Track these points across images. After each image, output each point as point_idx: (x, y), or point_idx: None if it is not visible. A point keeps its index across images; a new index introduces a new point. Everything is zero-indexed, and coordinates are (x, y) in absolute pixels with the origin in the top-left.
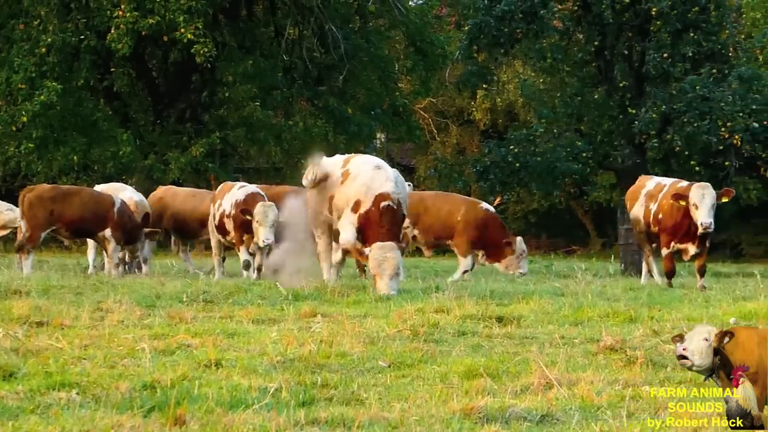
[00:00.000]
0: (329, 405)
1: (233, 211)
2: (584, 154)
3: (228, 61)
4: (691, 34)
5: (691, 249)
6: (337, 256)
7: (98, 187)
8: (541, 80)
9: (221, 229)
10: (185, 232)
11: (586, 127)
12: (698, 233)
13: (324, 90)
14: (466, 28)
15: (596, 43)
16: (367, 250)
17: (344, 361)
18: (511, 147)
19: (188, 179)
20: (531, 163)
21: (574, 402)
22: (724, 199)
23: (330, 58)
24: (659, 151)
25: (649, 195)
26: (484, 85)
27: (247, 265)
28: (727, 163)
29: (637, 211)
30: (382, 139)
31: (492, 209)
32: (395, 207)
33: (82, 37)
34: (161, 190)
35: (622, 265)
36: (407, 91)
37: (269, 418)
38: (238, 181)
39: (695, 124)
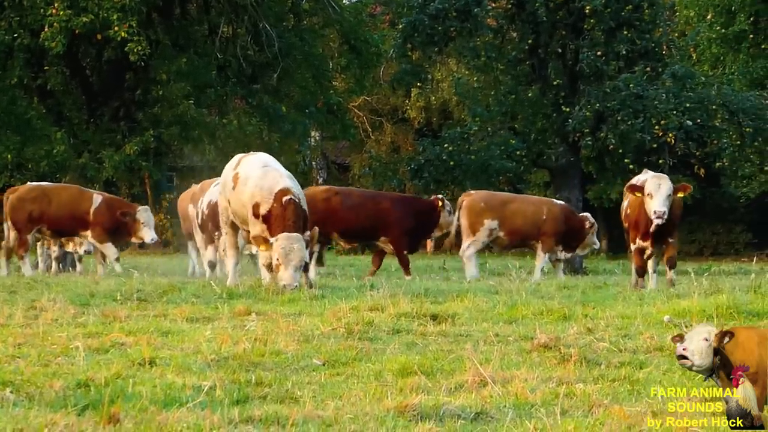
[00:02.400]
0: (263, 403)
1: (207, 211)
2: (518, 153)
3: (162, 60)
4: (625, 32)
5: (653, 246)
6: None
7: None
8: (475, 78)
9: (204, 228)
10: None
11: (520, 125)
12: (653, 224)
13: (258, 88)
14: (400, 26)
15: (530, 41)
16: (272, 239)
17: (278, 359)
18: (446, 145)
19: (122, 178)
20: (465, 161)
21: (508, 400)
22: (681, 194)
23: (264, 56)
24: (593, 149)
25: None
26: (418, 84)
27: (212, 266)
28: (661, 161)
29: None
30: (317, 138)
31: (564, 203)
32: (297, 201)
33: (16, 35)
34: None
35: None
36: (342, 90)
37: (203, 416)
38: (173, 179)
39: (629, 122)
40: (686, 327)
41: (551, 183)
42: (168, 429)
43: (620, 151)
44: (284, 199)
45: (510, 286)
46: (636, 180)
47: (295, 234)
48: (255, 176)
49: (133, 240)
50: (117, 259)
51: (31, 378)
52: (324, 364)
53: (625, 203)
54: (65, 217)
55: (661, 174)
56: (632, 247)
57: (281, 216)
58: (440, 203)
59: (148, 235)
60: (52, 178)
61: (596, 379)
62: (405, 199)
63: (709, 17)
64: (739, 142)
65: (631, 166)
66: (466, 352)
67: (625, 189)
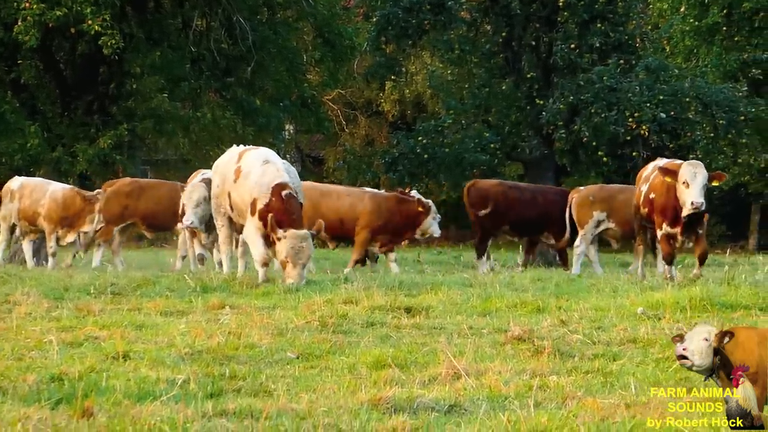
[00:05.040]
0: (237, 396)
1: None
2: (492, 145)
3: (136, 53)
4: (599, 25)
5: (683, 234)
6: (242, 248)
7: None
8: (449, 71)
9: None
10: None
11: (494, 118)
12: (686, 213)
13: (232, 81)
14: (374, 19)
15: (504, 34)
16: (281, 232)
17: (252, 352)
18: (420, 138)
19: (96, 171)
20: (439, 154)
21: (481, 392)
22: (715, 183)
23: (238, 49)
24: (567, 141)
25: (645, 177)
26: (392, 77)
27: (201, 258)
28: (634, 154)
29: (635, 195)
30: (291, 131)
31: None
32: (295, 195)
33: None
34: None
35: (530, 256)
36: (316, 83)
37: (177, 409)
38: (147, 173)
39: (603, 115)
40: (660, 319)
41: (525, 176)
42: (142, 422)
43: (594, 143)
44: (284, 193)
45: (484, 279)
46: (655, 165)
47: (303, 232)
48: (256, 172)
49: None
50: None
51: (5, 372)
52: (298, 357)
53: (644, 188)
54: (163, 212)
55: (696, 161)
56: (658, 233)
57: (284, 210)
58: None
59: None
60: (26, 171)
61: (570, 372)
62: (564, 192)
63: (682, 9)
64: (712, 135)
65: (605, 159)
66: (440, 344)
67: (640, 175)
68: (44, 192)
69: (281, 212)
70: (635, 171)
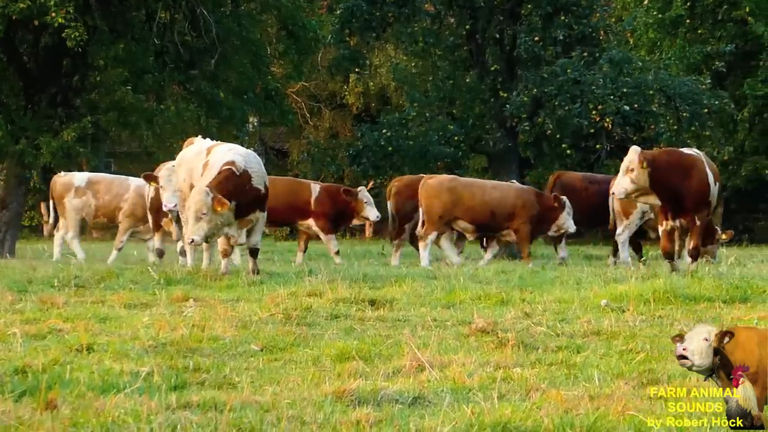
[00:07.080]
0: (201, 389)
1: (154, 194)
2: (456, 138)
3: (99, 45)
4: (562, 18)
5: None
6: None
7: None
8: (413, 64)
9: (152, 210)
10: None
11: (458, 110)
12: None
13: (196, 74)
14: (338, 11)
15: (468, 26)
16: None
17: (216, 345)
18: (384, 131)
19: (60, 164)
20: (404, 146)
21: (445, 384)
22: (640, 165)
23: (202, 41)
24: (531, 134)
25: None
26: (356, 69)
27: (160, 254)
28: (598, 146)
29: None
30: (255, 123)
31: None
32: (237, 173)
33: None
34: (449, 180)
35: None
36: (280, 75)
37: (141, 402)
38: (111, 165)
39: (566, 108)
40: (623, 311)
41: (489, 168)
42: (105, 415)
43: (558, 136)
44: (223, 168)
45: (448, 272)
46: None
47: (201, 187)
48: (220, 161)
49: (356, 222)
50: (337, 252)
51: None
52: (262, 350)
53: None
54: (282, 208)
55: (634, 147)
56: (659, 229)
57: (215, 183)
58: None
59: (372, 213)
60: None
61: (533, 364)
62: None
63: (646, 2)
64: (676, 127)
65: (568, 151)
66: (404, 337)
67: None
68: (126, 187)
69: (211, 185)
70: (599, 164)
